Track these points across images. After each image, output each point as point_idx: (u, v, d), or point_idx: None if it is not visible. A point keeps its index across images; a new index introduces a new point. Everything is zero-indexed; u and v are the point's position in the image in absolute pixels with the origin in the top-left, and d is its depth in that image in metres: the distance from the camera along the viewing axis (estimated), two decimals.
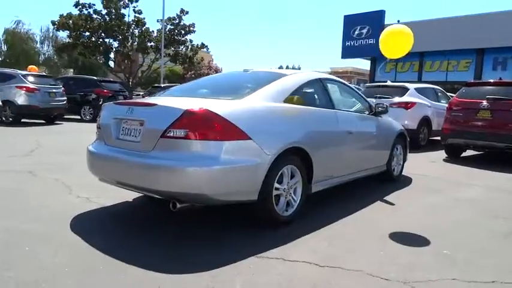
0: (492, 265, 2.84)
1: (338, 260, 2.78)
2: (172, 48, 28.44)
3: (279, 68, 39.81)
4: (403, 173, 5.92)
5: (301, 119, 3.68)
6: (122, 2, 26.18)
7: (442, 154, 8.38)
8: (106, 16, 26.21)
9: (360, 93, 5.04)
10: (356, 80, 43.27)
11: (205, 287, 2.34)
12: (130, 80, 28.24)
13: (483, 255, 3.03)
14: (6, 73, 12.75)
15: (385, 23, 22.55)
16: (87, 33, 26.22)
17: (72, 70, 42.02)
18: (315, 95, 4.16)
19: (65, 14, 25.48)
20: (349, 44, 26.03)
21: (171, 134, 2.93)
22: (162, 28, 25.81)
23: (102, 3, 25.79)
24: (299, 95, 3.86)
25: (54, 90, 13.17)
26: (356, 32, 25.78)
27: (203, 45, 29.41)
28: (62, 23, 25.46)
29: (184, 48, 29.04)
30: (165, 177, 2.93)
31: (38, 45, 42.87)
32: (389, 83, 11.14)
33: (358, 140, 4.49)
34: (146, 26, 27.39)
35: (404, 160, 5.85)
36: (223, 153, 2.93)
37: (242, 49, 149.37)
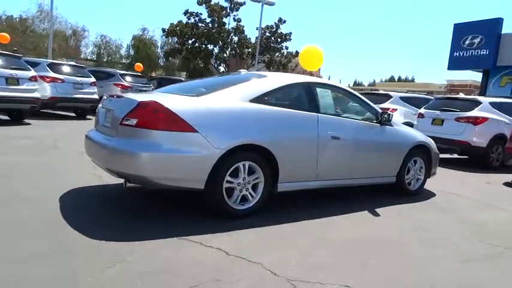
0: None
1: (246, 252, 2.90)
2: (268, 55, 29.45)
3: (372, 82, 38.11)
4: (431, 190, 5.57)
5: (266, 119, 3.80)
6: (224, 12, 28.05)
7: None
8: (210, 24, 28.36)
9: (365, 100, 4.89)
10: (476, 94, 39.23)
11: (123, 252, 2.70)
12: None
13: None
14: (107, 72, 14.83)
15: (503, 32, 20.23)
16: (192, 40, 28.67)
17: (185, 73, 46.15)
18: (295, 98, 4.22)
19: (175, 23, 28.28)
20: (457, 54, 23.78)
21: (126, 122, 3.37)
22: (258, 35, 26.98)
23: (208, 12, 27.99)
24: (272, 97, 3.99)
25: (144, 89, 14.89)
26: (467, 42, 23.44)
27: (297, 53, 29.74)
28: (170, 31, 28.32)
29: (279, 55, 29.84)
30: (118, 159, 3.38)
31: (159, 50, 47.93)
32: (461, 95, 10.17)
33: (348, 146, 4.39)
34: (245, 33, 28.87)
35: (428, 175, 5.44)
36: (166, 142, 3.27)
37: (353, 61, 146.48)
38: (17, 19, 42.78)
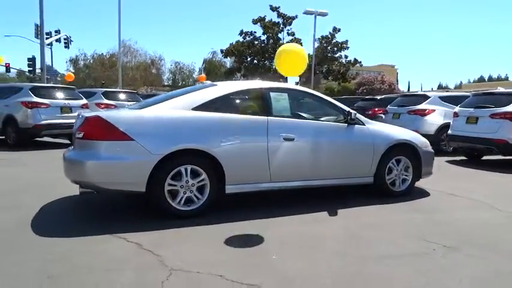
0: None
1: (158, 247, 3.14)
2: (326, 66, 29.27)
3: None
4: (429, 190, 5.35)
5: (208, 125, 4.03)
6: (277, 28, 28.69)
7: None
8: (265, 41, 29.18)
9: (331, 101, 4.86)
10: None
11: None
12: None
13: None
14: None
15: None
16: (249, 58, 29.71)
17: None
18: (243, 104, 4.40)
19: (234, 43, 29.58)
20: None
21: (78, 136, 3.86)
22: (313, 46, 27.05)
23: (262, 29, 28.85)
24: (218, 104, 4.21)
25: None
26: None
27: (356, 61, 29.22)
28: (228, 51, 29.67)
29: (338, 65, 29.48)
30: (72, 168, 3.88)
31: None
32: (500, 89, 9.28)
33: (306, 147, 4.41)
34: (301, 46, 29.15)
35: (418, 175, 5.16)
36: (107, 151, 3.68)
37: (437, 63, 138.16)
38: (106, 55, 48.00)
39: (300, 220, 3.99)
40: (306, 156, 4.45)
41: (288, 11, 28.43)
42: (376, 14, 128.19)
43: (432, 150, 5.44)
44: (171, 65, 53.64)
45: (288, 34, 29.01)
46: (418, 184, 5.52)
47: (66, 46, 40.71)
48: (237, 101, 4.44)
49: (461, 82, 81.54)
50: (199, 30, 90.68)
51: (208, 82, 4.93)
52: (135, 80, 48.22)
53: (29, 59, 28.49)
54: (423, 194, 5.25)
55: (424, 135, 10.04)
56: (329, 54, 29.22)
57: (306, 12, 26.60)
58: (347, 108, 4.83)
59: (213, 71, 47.31)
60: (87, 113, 4.11)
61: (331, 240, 3.42)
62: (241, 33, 29.28)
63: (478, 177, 6.80)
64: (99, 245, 3.20)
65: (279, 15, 28.01)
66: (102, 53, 48.10)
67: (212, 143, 3.98)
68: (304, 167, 4.47)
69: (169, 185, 3.84)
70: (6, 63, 32.59)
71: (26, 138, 10.36)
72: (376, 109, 13.54)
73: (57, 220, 3.90)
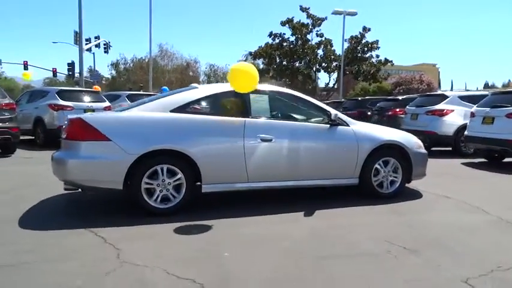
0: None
1: (121, 241, 3.32)
2: (356, 66, 28.78)
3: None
4: (424, 192, 5.28)
5: (184, 126, 4.17)
6: (306, 29, 28.57)
7: None
8: (294, 42, 29.14)
9: (313, 102, 4.88)
10: None
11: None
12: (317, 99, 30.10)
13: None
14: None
15: None
16: (278, 60, 29.77)
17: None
18: (221, 106, 4.50)
19: (263, 45, 29.76)
20: None
21: (63, 136, 4.13)
22: (342, 47, 26.74)
23: (291, 31, 28.84)
24: (196, 106, 4.37)
25: None
26: None
27: (387, 61, 28.50)
28: (257, 53, 29.87)
29: (368, 65, 28.91)
30: (56, 167, 4.14)
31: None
32: None
33: (284, 148, 4.46)
34: (332, 46, 28.81)
35: (409, 176, 5.06)
36: (86, 150, 3.92)
37: (483, 62, 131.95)
38: (145, 59, 49.72)
39: (272, 220, 4.05)
40: (285, 157, 4.50)
41: (318, 12, 28.32)
42: (413, 12, 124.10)
43: (425, 151, 5.30)
44: (206, 68, 54.57)
45: (317, 35, 28.85)
46: (413, 186, 5.45)
47: (106, 51, 42.50)
48: (216, 102, 4.56)
49: (509, 80, 77.15)
50: (234, 32, 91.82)
51: (195, 85, 5.08)
52: (171, 82, 49.46)
53: (68, 64, 30.13)
54: (415, 196, 5.15)
55: (442, 137, 10.02)
56: (359, 55, 28.71)
57: (335, 13, 26.33)
58: (329, 109, 4.82)
59: None
60: (72, 115, 4.38)
61: (291, 240, 3.45)
62: (270, 34, 29.43)
63: (484, 180, 6.55)
64: (69, 238, 3.42)
65: (308, 16, 27.88)
66: (142, 57, 49.78)
67: (188, 144, 4.12)
68: (282, 168, 4.51)
69: (146, 183, 4.02)
70: (53, 69, 34.63)
71: (53, 139, 11.02)
72: (397, 110, 13.21)
73: (45, 214, 4.17)
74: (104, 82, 47.57)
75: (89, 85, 26.04)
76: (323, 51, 29.19)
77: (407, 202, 4.83)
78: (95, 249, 3.17)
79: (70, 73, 30.05)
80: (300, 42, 29.19)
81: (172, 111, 4.24)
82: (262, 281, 2.66)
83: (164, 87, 31.18)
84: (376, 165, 4.90)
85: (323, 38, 28.67)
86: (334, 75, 30.60)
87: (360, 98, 18.72)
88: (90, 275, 2.68)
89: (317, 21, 28.28)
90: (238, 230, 3.70)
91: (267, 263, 2.96)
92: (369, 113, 14.63)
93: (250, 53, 30.39)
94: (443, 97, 10.57)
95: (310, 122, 4.77)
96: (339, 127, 4.76)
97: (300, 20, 28.16)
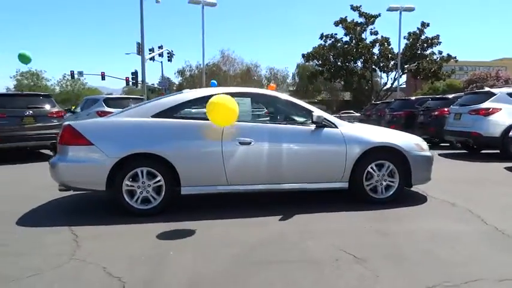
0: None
1: (91, 240, 3.55)
2: (415, 64, 27.26)
3: None
4: (433, 197, 5.00)
5: (163, 131, 4.33)
6: (359, 28, 27.72)
7: None
8: (348, 41, 28.41)
9: (298, 104, 4.78)
10: None
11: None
12: (373, 99, 29.04)
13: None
14: None
15: None
16: (332, 60, 29.21)
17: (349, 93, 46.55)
18: (201, 109, 4.57)
19: (316, 46, 29.39)
20: None
21: (58, 141, 4.51)
22: (398, 44, 25.49)
23: (345, 30, 28.16)
24: (178, 110, 4.51)
25: (257, 113, 16.40)
26: None
27: (450, 57, 26.54)
28: (309, 55, 29.58)
29: (429, 62, 27.20)
30: (51, 170, 4.50)
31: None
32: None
33: (264, 151, 4.43)
34: (389, 44, 27.63)
35: (408, 181, 4.76)
36: (70, 154, 4.25)
37: None
38: (210, 64, 51.56)
39: (243, 223, 4.05)
40: (265, 160, 4.47)
41: (369, 9, 27.28)
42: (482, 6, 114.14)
43: (428, 154, 4.94)
44: (266, 71, 55.16)
45: (371, 33, 27.82)
46: (424, 191, 5.21)
47: (169, 60, 44.82)
48: (197, 107, 4.68)
49: None
50: (293, 35, 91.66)
51: (186, 90, 5.22)
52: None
53: (132, 73, 32.28)
54: (416, 202, 4.84)
55: (488, 138, 9.18)
56: (418, 52, 27.15)
57: (390, 9, 25.23)
58: (314, 110, 4.69)
59: (305, 76, 47.53)
60: (66, 122, 4.76)
61: (248, 244, 3.42)
62: (321, 36, 28.98)
63: None
64: (44, 234, 3.72)
65: (361, 14, 26.99)
66: (207, 63, 51.73)
67: (166, 148, 4.27)
68: (263, 171, 4.48)
69: (127, 185, 4.24)
70: (126, 77, 37.29)
71: None
72: (445, 109, 12.33)
73: (46, 212, 4.56)
74: (174, 88, 50.19)
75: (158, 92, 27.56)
76: (379, 49, 28.09)
77: (403, 208, 4.55)
78: (61, 246, 3.40)
79: (134, 81, 32.14)
80: (354, 41, 28.39)
81: (153, 116, 4.43)
82: (185, 284, 2.70)
83: (213, 80, 32.03)
84: (369, 169, 4.68)
85: (377, 37, 27.60)
86: (392, 74, 29.28)
87: (407, 98, 17.74)
88: (38, 270, 2.89)
89: (370, 19, 27.29)
90: (203, 232, 3.76)
91: (206, 267, 2.98)
92: (416, 113, 13.83)
93: (303, 55, 30.21)
94: (490, 94, 9.67)
95: (294, 124, 4.69)
96: (326, 129, 4.62)
97: (353, 20, 27.40)
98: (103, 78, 38.03)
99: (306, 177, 4.61)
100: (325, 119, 4.63)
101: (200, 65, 53.36)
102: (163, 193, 4.30)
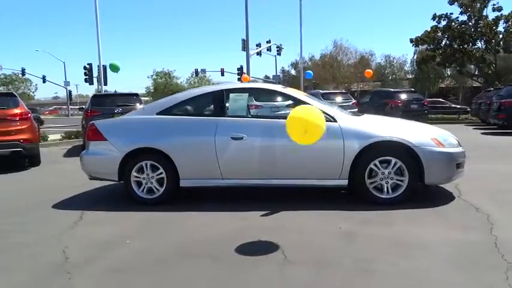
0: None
1: (90, 224, 4.11)
2: None
3: None
4: (467, 201, 4.43)
5: (165, 127, 4.68)
6: (478, 5, 24.14)
7: None
8: (465, 21, 25.08)
9: (298, 98, 4.63)
10: None
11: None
12: (499, 84, 25.19)
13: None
14: (312, 93, 16.75)
15: None
16: (446, 43, 26.13)
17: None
18: (199, 107, 4.78)
19: (429, 29, 26.65)
20: None
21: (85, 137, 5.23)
22: None
23: (461, 9, 24.89)
24: (179, 108, 4.81)
25: (344, 104, 15.93)
26: None
27: None
28: (418, 39, 26.91)
29: None
30: (80, 162, 5.22)
31: None
32: None
33: (258, 146, 4.44)
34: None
35: (419, 180, 4.27)
36: (91, 148, 4.91)
37: None
38: (326, 56, 51.21)
39: (224, 216, 4.16)
40: (257, 155, 4.48)
41: None
42: None
43: (448, 151, 4.31)
44: (381, 59, 52.24)
45: (494, 9, 23.96)
46: (468, 189, 4.71)
47: (278, 53, 45.81)
48: (196, 104, 4.91)
49: None
50: (409, 20, 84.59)
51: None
52: (346, 77, 49.71)
53: (238, 69, 34.20)
54: (438, 202, 4.34)
55: None
56: None
57: None
58: (312, 104, 4.49)
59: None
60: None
61: (202, 237, 3.57)
62: (434, 17, 26.05)
63: None
64: (61, 217, 4.39)
65: None
66: (323, 54, 51.29)
67: (165, 143, 4.62)
68: (255, 166, 4.50)
69: (135, 176, 4.73)
70: (221, 69, 39.39)
71: None
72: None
73: (81, 199, 5.31)
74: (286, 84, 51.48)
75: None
76: (504, 27, 24.15)
77: (407, 211, 4.09)
78: (59, 227, 3.96)
79: (239, 77, 33.85)
80: (472, 20, 24.94)
81: (157, 113, 4.82)
82: (103, 269, 2.95)
83: (308, 71, 31.47)
84: (371, 166, 4.32)
85: (500, 13, 23.68)
86: None
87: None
88: (24, 246, 3.49)
89: None
90: (173, 223, 4.04)
91: (144, 254, 3.22)
92: None
93: (411, 40, 27.66)
94: None
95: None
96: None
97: None
98: (222, 74, 40.79)
99: (300, 174, 4.48)
100: (324, 112, 4.41)
101: (313, 56, 53.32)
102: (165, 185, 4.67)
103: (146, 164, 4.69)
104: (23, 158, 8.08)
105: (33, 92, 64.51)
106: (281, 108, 6.12)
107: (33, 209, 4.78)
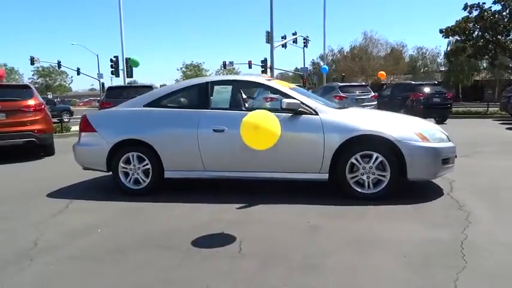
0: None
1: (77, 211, 4.26)
2: None
3: None
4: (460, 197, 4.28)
5: (150, 119, 4.75)
6: None
7: None
8: (500, 10, 23.83)
9: (281, 90, 4.55)
10: None
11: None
12: None
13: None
14: (330, 86, 16.48)
15: None
16: (477, 34, 24.96)
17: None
18: (184, 99, 4.80)
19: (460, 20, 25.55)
20: None
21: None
22: None
23: None
24: (165, 100, 4.87)
25: (362, 97, 15.58)
26: None
27: None
28: (448, 30, 25.80)
29: None
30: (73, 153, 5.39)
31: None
32: None
33: (235, 138, 4.40)
34: None
35: (402, 175, 4.15)
36: (82, 140, 5.06)
37: None
38: (356, 48, 50.34)
39: (201, 208, 4.20)
40: (238, 147, 4.44)
41: None
42: None
43: (434, 146, 4.16)
44: (413, 51, 50.72)
45: None
46: (463, 186, 4.63)
47: (305, 45, 45.28)
48: (182, 96, 4.94)
49: None
50: (443, 11, 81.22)
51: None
52: (375, 69, 48.75)
53: (261, 61, 34.12)
54: (423, 198, 4.23)
55: None
56: None
57: None
58: (288, 96, 4.44)
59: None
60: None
61: (167, 228, 3.63)
62: (465, 7, 24.91)
63: None
64: (51, 205, 4.56)
65: None
66: (352, 46, 50.33)
67: (150, 134, 4.70)
68: (236, 158, 4.50)
69: (122, 167, 4.84)
70: (249, 61, 39.34)
71: None
72: None
73: (74, 188, 5.49)
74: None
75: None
76: None
77: (390, 207, 4.00)
78: (43, 215, 4.11)
79: (263, 69, 33.74)
80: (507, 9, 23.67)
81: (145, 105, 4.91)
82: (61, 256, 3.05)
83: (324, 66, 30.93)
84: (352, 160, 4.23)
85: None
86: None
87: None
88: (1, 232, 3.67)
89: None
90: (146, 213, 4.12)
91: (108, 242, 3.32)
92: None
93: (441, 31, 26.57)
94: None
95: (273, 112, 4.52)
96: (303, 116, 4.35)
97: None
98: (250, 66, 40.94)
99: (280, 167, 4.45)
100: (301, 105, 4.35)
101: (342, 48, 52.33)
102: (150, 176, 4.76)
103: (133, 156, 4.79)
104: (37, 148, 8.44)
105: (69, 84, 67.16)
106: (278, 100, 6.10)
107: (28, 196, 4.99)
